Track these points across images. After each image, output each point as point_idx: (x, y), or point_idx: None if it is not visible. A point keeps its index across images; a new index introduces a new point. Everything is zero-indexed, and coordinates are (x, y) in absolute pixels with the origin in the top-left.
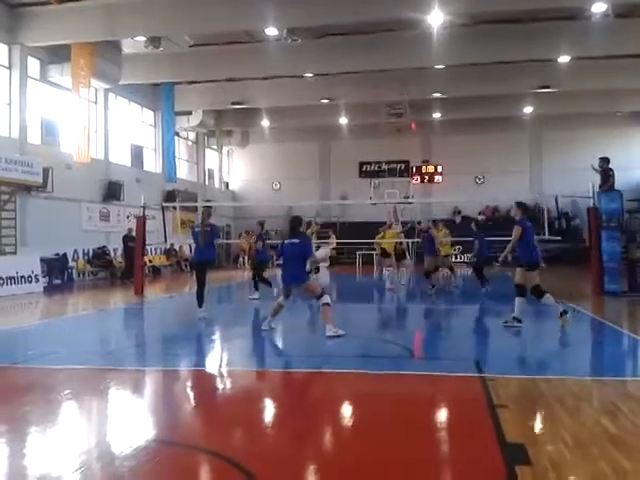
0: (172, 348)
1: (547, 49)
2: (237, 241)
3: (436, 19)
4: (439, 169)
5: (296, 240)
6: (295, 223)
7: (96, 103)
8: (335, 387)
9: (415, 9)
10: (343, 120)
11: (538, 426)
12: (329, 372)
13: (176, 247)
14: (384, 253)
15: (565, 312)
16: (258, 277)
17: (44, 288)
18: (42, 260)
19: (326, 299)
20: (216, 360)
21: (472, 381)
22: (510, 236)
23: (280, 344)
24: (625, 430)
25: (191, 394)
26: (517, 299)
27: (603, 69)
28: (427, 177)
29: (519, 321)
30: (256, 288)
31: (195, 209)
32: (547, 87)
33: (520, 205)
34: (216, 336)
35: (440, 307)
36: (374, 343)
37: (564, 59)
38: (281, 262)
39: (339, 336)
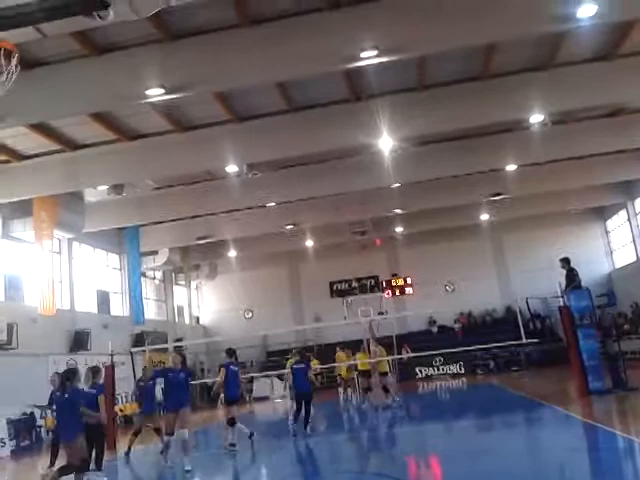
0: None
1: (494, 160)
2: (214, 379)
3: (386, 144)
4: (408, 281)
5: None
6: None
7: (60, 253)
8: None
9: (366, 136)
10: (309, 243)
11: None
12: None
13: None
14: (365, 373)
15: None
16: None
17: (11, 452)
18: (9, 422)
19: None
20: None
21: None
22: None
23: None
24: None
25: None
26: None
27: (550, 172)
28: (398, 290)
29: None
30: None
31: (166, 349)
32: (499, 194)
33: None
34: None
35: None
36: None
37: (511, 167)
38: None
39: None
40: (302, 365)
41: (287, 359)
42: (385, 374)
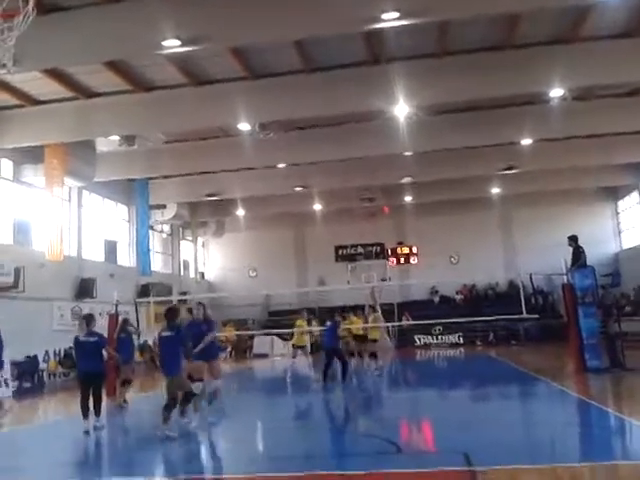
0: (150, 454)
1: (510, 133)
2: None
3: (402, 111)
4: (414, 250)
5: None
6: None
7: (69, 201)
8: None
9: (382, 101)
10: (317, 206)
11: None
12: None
13: (150, 343)
14: (362, 338)
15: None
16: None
17: (14, 392)
18: (12, 363)
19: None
20: (186, 467)
21: (462, 475)
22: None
23: (249, 446)
24: None
25: None
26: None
27: (565, 149)
28: (402, 258)
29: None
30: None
31: (171, 302)
32: (512, 168)
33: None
34: (194, 439)
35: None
36: (355, 437)
37: (527, 142)
38: None
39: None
40: (330, 324)
41: (293, 320)
42: (375, 341)
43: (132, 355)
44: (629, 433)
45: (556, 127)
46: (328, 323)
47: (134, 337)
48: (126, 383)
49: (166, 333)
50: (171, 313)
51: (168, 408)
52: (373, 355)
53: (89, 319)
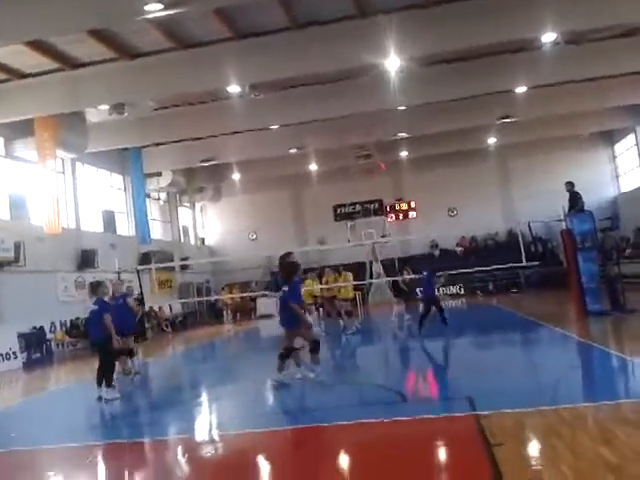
0: (161, 416)
1: (503, 81)
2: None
3: (393, 64)
4: (412, 205)
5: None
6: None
7: (64, 173)
8: (322, 442)
9: (372, 56)
10: (313, 167)
11: (537, 463)
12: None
13: (155, 308)
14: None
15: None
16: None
17: (23, 364)
18: (20, 335)
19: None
20: (206, 425)
21: (466, 420)
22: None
23: (259, 403)
24: (624, 457)
25: (180, 464)
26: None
27: (560, 95)
28: (401, 214)
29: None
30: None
31: (173, 268)
32: (508, 117)
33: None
34: (207, 398)
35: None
36: (363, 389)
37: (521, 89)
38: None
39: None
40: (426, 273)
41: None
42: (346, 300)
43: (133, 327)
44: (631, 373)
45: (550, 73)
46: (424, 273)
47: (140, 308)
48: (128, 353)
49: (285, 288)
50: (291, 267)
51: (283, 357)
52: (348, 314)
53: (94, 287)
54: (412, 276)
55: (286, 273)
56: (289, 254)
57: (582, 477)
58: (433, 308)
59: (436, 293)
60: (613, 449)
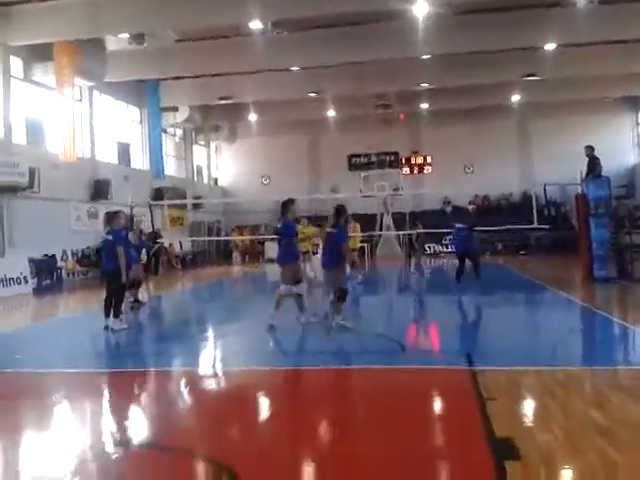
0: (166, 348)
1: (533, 37)
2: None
3: (421, 10)
4: (428, 159)
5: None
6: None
7: (81, 101)
8: (321, 383)
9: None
10: (331, 113)
11: (528, 419)
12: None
13: (166, 244)
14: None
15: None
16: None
17: (33, 289)
18: (31, 261)
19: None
20: (209, 359)
21: (462, 374)
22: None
23: (264, 342)
24: (615, 421)
25: (183, 394)
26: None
27: (589, 55)
28: (416, 168)
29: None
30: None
31: (185, 206)
32: (534, 75)
33: None
34: (213, 334)
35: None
36: (364, 337)
37: (550, 46)
38: None
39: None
40: (464, 226)
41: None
42: (353, 250)
43: (136, 258)
44: (631, 340)
45: (581, 32)
46: (458, 226)
47: (148, 243)
48: (135, 284)
49: (329, 230)
50: (341, 210)
51: (341, 299)
52: (353, 264)
53: (110, 217)
54: (433, 230)
55: (336, 215)
56: (292, 200)
57: (571, 437)
58: (467, 262)
59: (475, 247)
60: (605, 413)
